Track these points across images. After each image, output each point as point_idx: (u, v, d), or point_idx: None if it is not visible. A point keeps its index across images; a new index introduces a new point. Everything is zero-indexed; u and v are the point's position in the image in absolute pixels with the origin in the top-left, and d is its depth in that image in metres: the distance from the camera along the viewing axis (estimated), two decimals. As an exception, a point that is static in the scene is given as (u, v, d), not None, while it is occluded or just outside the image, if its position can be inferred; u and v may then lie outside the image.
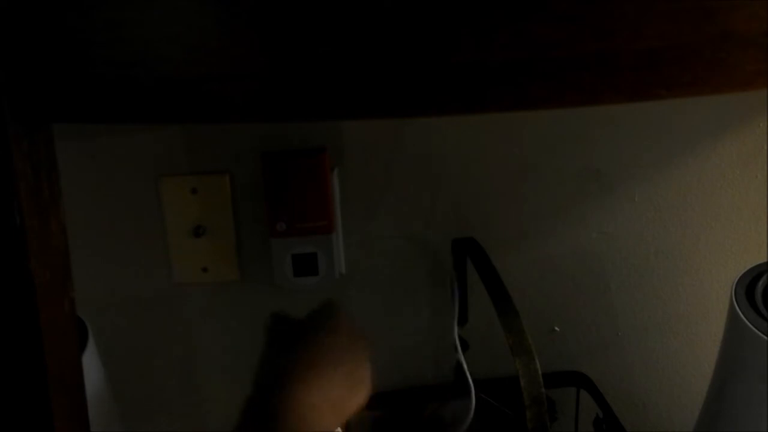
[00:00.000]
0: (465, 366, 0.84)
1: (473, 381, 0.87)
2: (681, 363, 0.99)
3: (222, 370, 0.94)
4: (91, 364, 0.72)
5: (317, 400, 0.61)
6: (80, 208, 0.85)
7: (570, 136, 0.88)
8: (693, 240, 0.94)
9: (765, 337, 0.66)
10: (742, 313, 0.69)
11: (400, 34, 0.41)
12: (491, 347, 0.92)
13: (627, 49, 0.42)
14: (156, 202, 0.86)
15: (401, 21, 0.41)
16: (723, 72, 0.43)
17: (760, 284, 0.73)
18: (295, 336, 0.68)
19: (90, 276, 0.87)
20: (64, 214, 0.49)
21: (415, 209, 0.89)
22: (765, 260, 0.77)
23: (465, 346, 0.93)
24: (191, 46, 0.42)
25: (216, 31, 0.42)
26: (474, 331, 0.93)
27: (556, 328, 0.96)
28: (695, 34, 0.42)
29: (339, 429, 0.77)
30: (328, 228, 0.84)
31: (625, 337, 0.97)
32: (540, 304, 0.95)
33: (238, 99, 0.43)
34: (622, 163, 0.89)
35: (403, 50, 0.42)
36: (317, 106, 0.43)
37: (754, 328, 0.67)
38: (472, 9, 0.41)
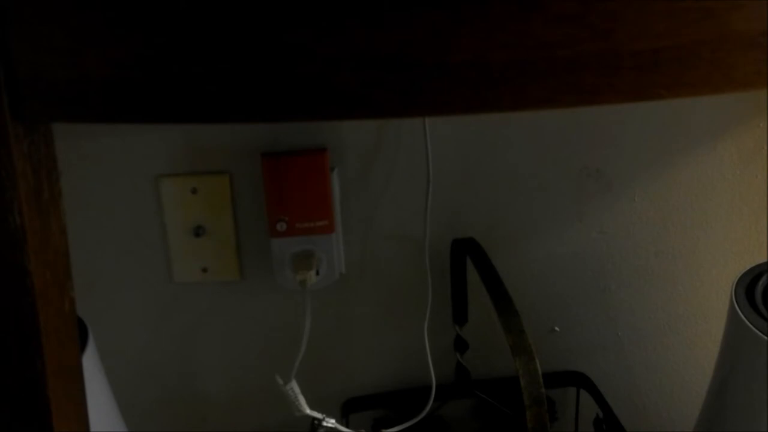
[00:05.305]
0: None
1: (473, 381, 0.87)
2: (681, 363, 0.99)
3: (222, 370, 0.94)
4: (91, 364, 0.72)
5: None
6: (80, 208, 0.85)
7: (570, 136, 0.88)
8: (693, 240, 0.94)
9: (765, 337, 0.66)
10: (742, 313, 0.69)
11: (399, 34, 0.41)
12: (491, 347, 0.92)
13: (627, 49, 0.42)
14: (156, 202, 0.86)
15: (400, 21, 0.41)
16: (723, 72, 0.43)
17: (760, 284, 0.73)
18: None
19: (90, 276, 0.87)
20: (64, 214, 0.49)
21: (414, 209, 0.89)
22: (765, 260, 0.77)
23: (465, 346, 0.93)
24: (191, 45, 0.42)
25: (216, 30, 0.42)
26: (474, 331, 0.93)
27: (556, 328, 0.96)
28: (695, 34, 0.42)
29: (338, 426, 0.77)
30: (328, 228, 0.84)
31: (625, 337, 0.97)
32: (540, 304, 0.95)
33: (238, 99, 0.43)
34: (622, 163, 0.89)
35: (403, 50, 0.42)
36: (316, 106, 0.43)
37: (754, 328, 0.67)
38: (471, 8, 0.41)
